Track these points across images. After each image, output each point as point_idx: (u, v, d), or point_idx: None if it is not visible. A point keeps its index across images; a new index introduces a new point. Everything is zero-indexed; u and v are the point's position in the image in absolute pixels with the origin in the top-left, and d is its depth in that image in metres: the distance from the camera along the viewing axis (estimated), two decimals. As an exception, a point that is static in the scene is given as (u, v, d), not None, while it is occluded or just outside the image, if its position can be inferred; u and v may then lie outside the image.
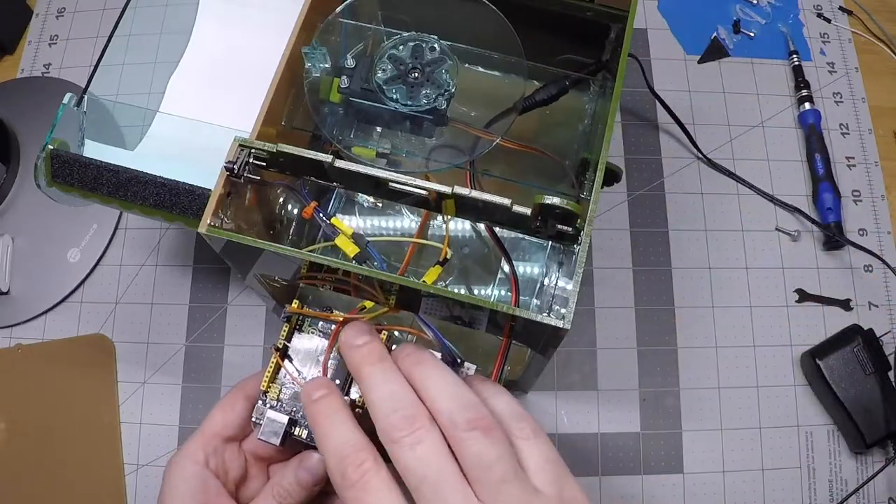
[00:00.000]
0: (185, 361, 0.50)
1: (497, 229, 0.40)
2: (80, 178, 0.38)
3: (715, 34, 0.59)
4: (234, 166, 0.32)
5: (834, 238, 0.51)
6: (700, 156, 0.55)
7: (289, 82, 0.36)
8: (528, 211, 0.31)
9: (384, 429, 0.28)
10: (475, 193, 0.30)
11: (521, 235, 0.39)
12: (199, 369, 0.50)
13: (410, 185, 0.31)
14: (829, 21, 0.60)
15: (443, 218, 0.38)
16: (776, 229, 0.53)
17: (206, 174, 0.34)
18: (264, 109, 0.34)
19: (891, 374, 0.47)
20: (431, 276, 0.35)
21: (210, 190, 0.32)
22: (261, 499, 0.37)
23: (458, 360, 0.35)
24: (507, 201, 0.30)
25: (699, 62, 0.58)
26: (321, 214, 0.34)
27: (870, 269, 0.52)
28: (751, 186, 0.54)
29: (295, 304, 0.38)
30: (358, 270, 0.30)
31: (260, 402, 0.38)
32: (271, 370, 0.38)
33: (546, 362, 0.37)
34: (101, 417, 0.49)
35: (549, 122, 0.41)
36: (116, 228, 0.54)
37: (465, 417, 0.27)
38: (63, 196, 0.39)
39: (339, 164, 0.31)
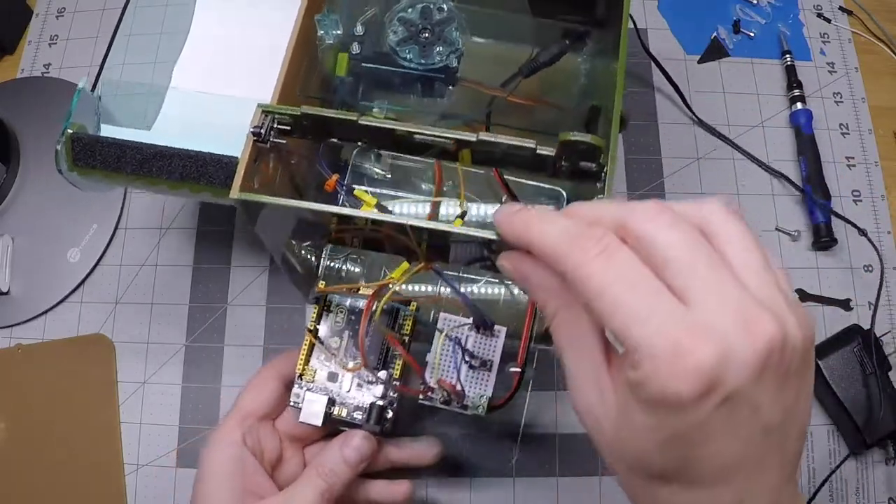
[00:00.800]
0: (185, 361, 0.50)
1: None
2: (102, 158, 0.38)
3: (715, 34, 0.59)
4: (261, 130, 0.32)
5: (822, 238, 0.51)
6: (694, 118, 0.55)
7: (301, 52, 0.37)
8: (552, 151, 0.31)
9: (575, 251, 0.25)
10: (501, 137, 0.32)
11: (534, 183, 0.40)
12: (199, 369, 0.50)
13: (435, 135, 0.32)
14: (829, 21, 0.60)
15: (459, 172, 0.39)
16: (776, 229, 0.53)
17: (225, 147, 0.35)
18: (281, 79, 0.35)
19: (891, 374, 0.47)
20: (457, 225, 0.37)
21: (236, 157, 0.33)
22: (305, 478, 0.37)
23: (489, 323, 0.36)
24: (531, 143, 0.31)
25: (699, 62, 0.58)
26: (343, 187, 0.36)
27: (870, 269, 0.52)
28: (759, 158, 0.54)
29: (322, 284, 0.38)
30: (393, 219, 0.31)
31: (296, 385, 0.38)
32: (305, 352, 0.38)
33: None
34: (101, 417, 0.49)
35: (550, 82, 0.41)
36: (116, 228, 0.54)
37: (716, 206, 0.26)
38: (84, 181, 0.39)
39: (365, 120, 0.32)
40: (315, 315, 0.39)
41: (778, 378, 0.24)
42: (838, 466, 0.47)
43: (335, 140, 0.35)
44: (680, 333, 0.23)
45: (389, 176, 0.46)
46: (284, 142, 0.34)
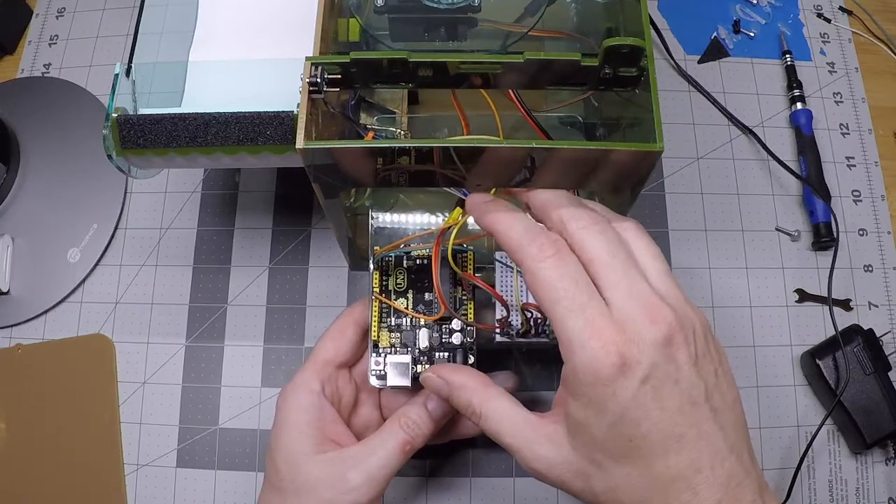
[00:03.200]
0: (185, 361, 0.50)
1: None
2: (153, 136, 0.38)
3: (715, 34, 0.59)
4: (318, 80, 0.33)
5: (822, 238, 0.51)
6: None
7: (330, 7, 0.37)
8: (595, 63, 0.33)
9: (577, 225, 0.31)
10: (545, 54, 0.33)
11: (547, 114, 0.42)
12: (199, 369, 0.50)
13: (483, 61, 0.34)
14: (829, 21, 0.60)
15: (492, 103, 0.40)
16: (776, 229, 0.53)
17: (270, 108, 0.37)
18: (318, 32, 0.35)
19: (891, 374, 0.47)
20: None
21: (292, 112, 0.35)
22: (387, 430, 0.38)
23: None
24: (576, 55, 0.33)
25: (699, 62, 0.58)
26: (381, 137, 0.36)
27: (870, 269, 0.52)
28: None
29: (377, 248, 0.39)
30: (445, 143, 0.32)
31: (374, 354, 0.39)
32: (377, 317, 0.39)
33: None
34: (101, 417, 0.49)
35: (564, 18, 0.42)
36: (116, 228, 0.54)
37: (633, 223, 0.33)
38: (134, 163, 0.39)
39: (415, 57, 0.33)
40: (376, 280, 0.40)
41: (689, 357, 0.29)
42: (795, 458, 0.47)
43: (379, 86, 0.36)
44: (601, 324, 0.29)
45: (409, 134, 0.47)
46: (337, 89, 0.35)
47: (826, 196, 0.53)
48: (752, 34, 0.59)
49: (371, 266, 0.40)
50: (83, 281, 0.52)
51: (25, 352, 0.51)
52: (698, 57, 0.58)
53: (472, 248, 0.40)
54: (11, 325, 0.52)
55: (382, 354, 0.39)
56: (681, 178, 0.54)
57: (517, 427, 0.33)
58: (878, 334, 0.48)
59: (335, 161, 0.33)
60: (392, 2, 0.38)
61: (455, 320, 0.39)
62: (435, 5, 0.38)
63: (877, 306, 0.51)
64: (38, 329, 0.52)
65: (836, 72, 0.58)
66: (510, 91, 0.38)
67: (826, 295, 0.51)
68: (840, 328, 0.48)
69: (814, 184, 0.53)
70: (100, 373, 0.50)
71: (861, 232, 0.53)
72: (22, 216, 0.54)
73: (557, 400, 0.32)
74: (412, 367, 0.38)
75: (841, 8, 0.60)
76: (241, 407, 0.49)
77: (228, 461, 0.48)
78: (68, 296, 0.52)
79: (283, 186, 0.54)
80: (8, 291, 0.52)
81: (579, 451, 0.31)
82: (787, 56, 0.57)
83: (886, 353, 0.48)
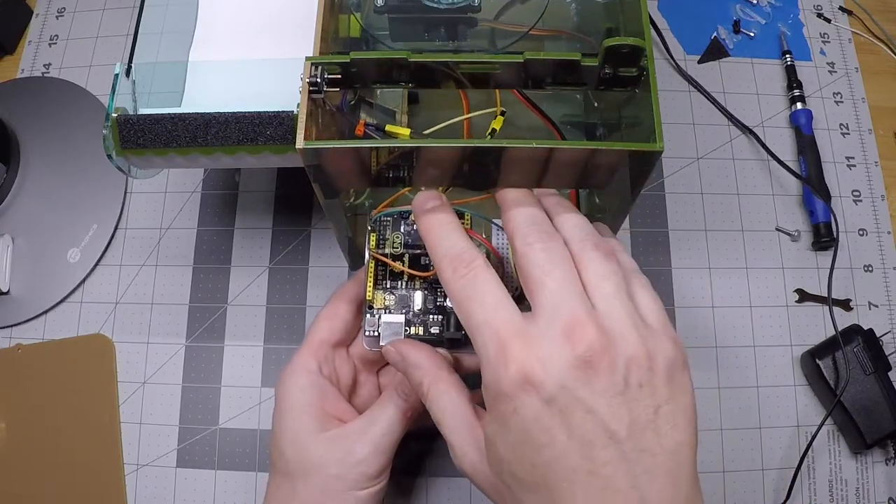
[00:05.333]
0: (185, 361, 0.50)
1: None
2: (153, 136, 0.38)
3: (715, 34, 0.59)
4: (318, 80, 0.33)
5: (822, 238, 0.51)
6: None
7: (330, 7, 0.37)
8: (595, 62, 0.33)
9: (523, 234, 0.30)
10: (545, 54, 0.33)
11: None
12: (199, 369, 0.50)
13: (483, 62, 0.34)
14: (829, 21, 0.60)
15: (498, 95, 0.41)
16: (776, 229, 0.53)
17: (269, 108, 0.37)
18: (318, 32, 0.35)
19: (891, 374, 0.47)
20: (498, 123, 0.38)
21: (292, 111, 0.35)
22: (385, 398, 0.38)
23: None
24: (576, 55, 0.33)
25: (699, 62, 0.58)
26: (373, 127, 0.36)
27: (870, 269, 0.52)
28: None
29: (374, 211, 0.40)
30: (445, 143, 0.32)
31: (368, 314, 0.39)
32: (372, 278, 0.39)
33: (623, 218, 0.39)
34: (101, 417, 0.49)
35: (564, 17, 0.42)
36: (116, 228, 0.54)
37: (593, 241, 0.30)
38: (134, 163, 0.39)
39: (415, 58, 0.33)
40: (373, 240, 0.40)
41: (611, 385, 0.26)
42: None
43: (379, 86, 0.36)
44: (510, 337, 0.28)
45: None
46: (337, 89, 0.35)
47: (826, 196, 0.53)
48: (752, 34, 0.59)
49: (368, 227, 0.40)
50: (83, 281, 0.52)
51: (25, 352, 0.51)
52: (698, 57, 0.58)
53: (469, 210, 0.40)
54: (11, 325, 0.52)
55: (377, 315, 0.39)
56: (681, 178, 0.54)
57: (455, 420, 0.32)
58: (878, 334, 0.48)
59: (334, 161, 0.33)
60: (392, 2, 0.38)
61: None
62: (435, 5, 0.38)
63: (877, 306, 0.51)
64: (38, 329, 0.52)
65: (836, 72, 0.58)
66: (515, 91, 0.38)
67: (826, 295, 0.51)
68: (840, 328, 0.48)
69: (814, 184, 0.53)
70: (100, 373, 0.50)
71: (861, 232, 0.53)
72: (22, 216, 0.54)
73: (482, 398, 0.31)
74: (406, 329, 0.38)
75: (841, 8, 0.60)
76: (241, 407, 0.49)
77: (228, 461, 0.48)
78: (68, 296, 0.52)
79: (283, 186, 0.54)
80: (8, 291, 0.52)
81: (492, 466, 0.30)
82: (787, 56, 0.57)
83: (886, 353, 0.48)
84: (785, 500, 0.46)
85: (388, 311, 0.39)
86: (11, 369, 0.51)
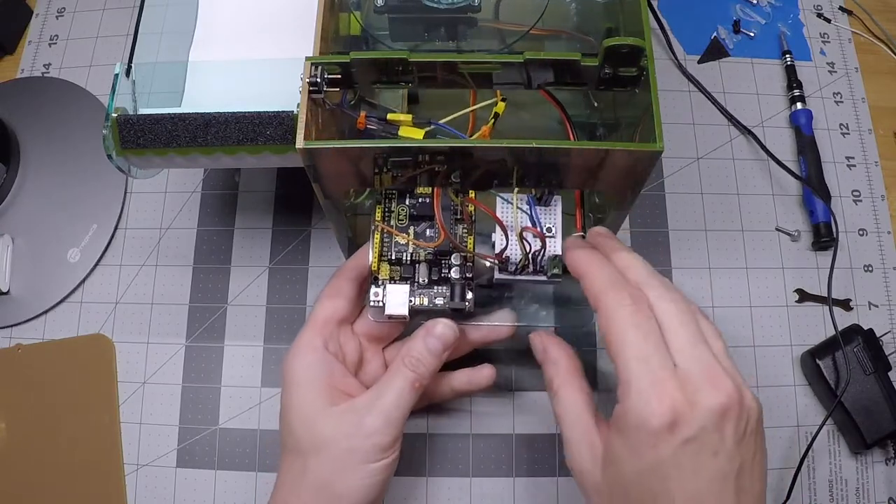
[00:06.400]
0: (185, 361, 0.50)
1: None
2: (153, 136, 0.38)
3: (715, 34, 0.59)
4: (318, 80, 0.33)
5: (822, 238, 0.51)
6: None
7: (330, 7, 0.37)
8: (595, 62, 0.33)
9: (615, 296, 0.33)
10: (545, 54, 0.33)
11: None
12: (199, 369, 0.50)
13: (482, 62, 0.34)
14: (829, 21, 0.60)
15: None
16: (776, 229, 0.53)
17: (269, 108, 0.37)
18: (318, 32, 0.35)
19: (891, 374, 0.47)
20: (500, 108, 0.38)
21: (292, 111, 0.35)
22: (393, 370, 0.39)
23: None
24: (576, 55, 0.33)
25: (699, 62, 0.58)
26: (374, 118, 0.36)
27: (870, 269, 0.52)
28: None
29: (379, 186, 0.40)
30: (445, 143, 0.32)
31: (373, 285, 0.39)
32: (377, 248, 0.39)
33: (623, 218, 0.39)
34: (101, 417, 0.49)
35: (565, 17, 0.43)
36: (116, 228, 0.54)
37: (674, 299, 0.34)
38: (134, 163, 0.39)
39: (415, 57, 0.33)
40: (379, 211, 0.40)
41: (736, 433, 0.30)
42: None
43: (379, 86, 0.36)
44: (664, 376, 0.30)
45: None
46: (337, 89, 0.35)
47: (826, 196, 0.53)
48: (752, 34, 0.59)
49: (374, 199, 0.40)
50: (83, 281, 0.52)
51: (25, 352, 0.51)
52: (698, 57, 0.58)
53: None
54: (11, 325, 0.52)
55: (382, 285, 0.39)
56: (681, 178, 0.54)
57: (575, 422, 0.35)
58: (878, 334, 0.48)
59: (334, 160, 0.33)
60: (392, 2, 0.38)
61: (454, 255, 0.39)
62: (435, 5, 0.38)
63: (877, 306, 0.51)
64: (38, 329, 0.52)
65: (836, 72, 0.58)
66: (544, 91, 0.38)
67: (826, 295, 0.51)
68: (840, 328, 0.48)
69: (814, 184, 0.53)
70: (100, 373, 0.50)
71: (861, 232, 0.53)
72: (22, 216, 0.54)
73: (613, 419, 0.33)
74: (411, 300, 0.38)
75: (841, 8, 0.60)
76: (241, 407, 0.49)
77: (228, 461, 0.48)
78: (68, 296, 0.52)
79: (283, 186, 0.54)
80: (8, 291, 0.52)
81: (607, 480, 0.32)
82: (787, 56, 0.57)
83: (886, 353, 0.48)
84: (785, 501, 0.46)
85: (392, 281, 0.39)
86: (11, 369, 0.51)
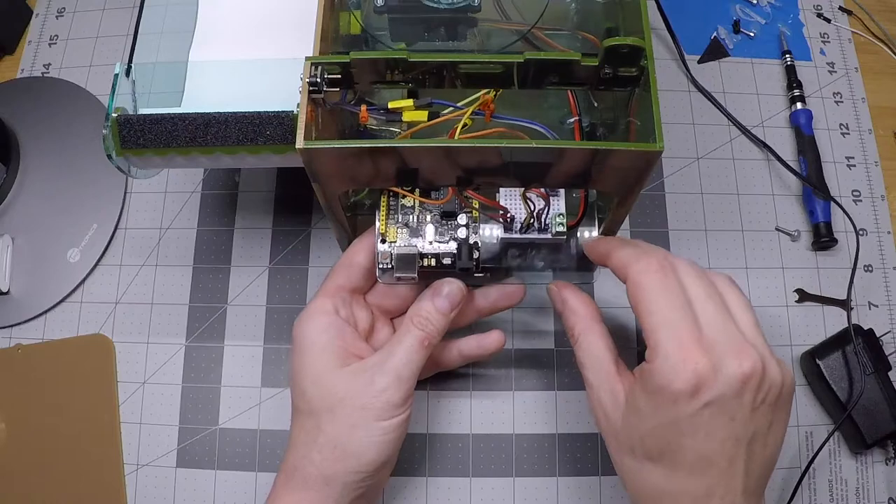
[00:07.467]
0: (185, 361, 0.50)
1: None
2: (153, 135, 0.38)
3: (715, 34, 0.59)
4: (317, 80, 0.33)
5: (822, 238, 0.51)
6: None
7: (330, 6, 0.37)
8: (595, 62, 0.34)
9: (644, 262, 0.34)
10: (545, 54, 0.34)
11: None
12: (199, 369, 0.50)
13: (483, 62, 0.34)
14: (829, 21, 0.60)
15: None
16: (776, 229, 0.53)
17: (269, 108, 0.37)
18: (318, 32, 0.35)
19: (891, 374, 0.47)
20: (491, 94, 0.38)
21: (292, 112, 0.35)
22: (402, 331, 0.39)
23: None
24: (576, 55, 0.34)
25: (699, 62, 0.58)
26: (375, 108, 0.37)
27: (870, 269, 0.52)
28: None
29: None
30: (444, 143, 0.32)
31: (381, 246, 0.39)
32: (384, 211, 0.40)
33: (623, 217, 0.40)
34: (101, 417, 0.49)
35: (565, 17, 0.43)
36: (116, 228, 0.54)
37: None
38: (134, 163, 0.39)
39: (415, 57, 0.33)
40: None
41: (753, 401, 0.32)
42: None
43: (379, 86, 0.36)
44: (691, 343, 0.31)
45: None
46: (337, 89, 0.35)
47: (826, 196, 0.53)
48: (752, 34, 0.59)
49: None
50: (83, 281, 0.52)
51: (25, 352, 0.51)
52: (698, 57, 0.58)
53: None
54: (11, 325, 0.52)
55: (390, 247, 0.39)
56: (681, 178, 0.54)
57: (598, 366, 0.36)
58: (878, 334, 0.48)
59: (334, 160, 0.33)
60: (392, 2, 0.38)
61: (461, 215, 0.40)
62: (435, 5, 0.38)
63: (877, 306, 0.51)
64: (38, 329, 0.52)
65: (836, 72, 0.58)
66: (569, 92, 0.38)
67: (826, 295, 0.51)
68: (840, 328, 0.48)
69: (814, 184, 0.53)
70: (100, 373, 0.50)
71: (861, 232, 0.53)
72: (22, 216, 0.54)
73: (638, 374, 0.34)
74: (420, 262, 0.39)
75: (841, 8, 0.60)
76: (241, 407, 0.49)
77: (228, 461, 0.48)
78: (68, 296, 0.52)
79: (283, 186, 0.54)
80: (8, 291, 0.52)
81: (626, 426, 0.34)
82: (787, 56, 0.57)
83: (886, 353, 0.48)
84: (789, 503, 0.46)
85: (401, 242, 0.39)
86: (11, 369, 0.51)
